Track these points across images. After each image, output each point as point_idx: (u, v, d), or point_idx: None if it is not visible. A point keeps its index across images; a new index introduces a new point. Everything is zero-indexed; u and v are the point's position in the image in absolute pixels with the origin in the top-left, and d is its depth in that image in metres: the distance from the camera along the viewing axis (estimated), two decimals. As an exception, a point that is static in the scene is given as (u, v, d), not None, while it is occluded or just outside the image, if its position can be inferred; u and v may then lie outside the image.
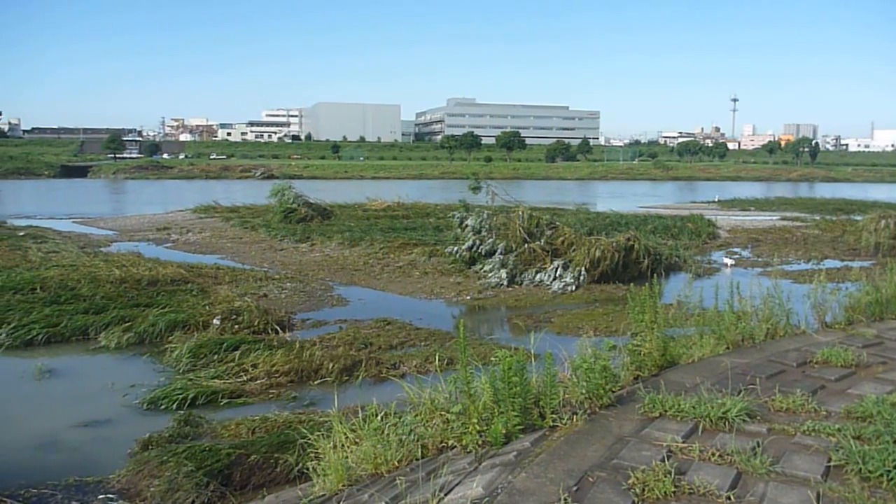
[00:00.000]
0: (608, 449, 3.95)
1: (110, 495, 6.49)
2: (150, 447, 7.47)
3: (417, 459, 4.55)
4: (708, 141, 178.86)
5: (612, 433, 4.21)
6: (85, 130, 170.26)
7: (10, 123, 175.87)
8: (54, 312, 12.60)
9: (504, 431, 4.16)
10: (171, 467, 6.66)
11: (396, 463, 4.54)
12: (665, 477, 3.51)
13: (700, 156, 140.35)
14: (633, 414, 4.55)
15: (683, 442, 4.02)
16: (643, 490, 3.45)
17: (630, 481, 3.52)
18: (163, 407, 8.84)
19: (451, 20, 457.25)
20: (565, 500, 3.28)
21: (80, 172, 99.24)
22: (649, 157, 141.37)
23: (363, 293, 16.42)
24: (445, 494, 3.37)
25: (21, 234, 25.35)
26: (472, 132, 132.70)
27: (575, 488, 3.43)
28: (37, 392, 9.71)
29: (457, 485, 3.52)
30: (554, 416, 4.38)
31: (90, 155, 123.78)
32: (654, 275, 15.70)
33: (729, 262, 20.24)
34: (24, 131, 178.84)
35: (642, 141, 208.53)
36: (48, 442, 7.95)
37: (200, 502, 6.30)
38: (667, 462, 3.69)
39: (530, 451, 3.90)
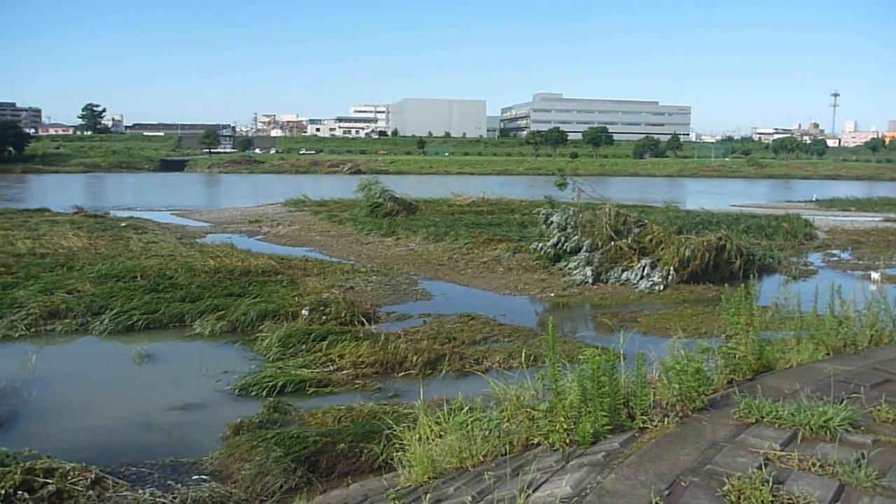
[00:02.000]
0: (701, 453, 3.83)
1: (203, 476, 6.71)
2: (241, 432, 7.70)
3: (503, 455, 4.52)
4: (806, 138, 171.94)
5: (706, 437, 4.08)
6: (182, 126, 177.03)
7: (113, 119, 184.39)
8: (153, 300, 13.14)
9: (592, 431, 4.09)
10: (260, 452, 6.85)
11: (481, 458, 4.53)
12: (762, 486, 3.38)
13: (797, 153, 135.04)
14: (728, 419, 4.40)
15: (782, 450, 3.86)
16: (738, 498, 3.32)
17: (725, 488, 3.39)
18: (253, 393, 9.10)
19: (539, 16, 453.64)
20: (657, 503, 3.20)
21: (178, 166, 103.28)
22: (742, 154, 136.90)
23: (447, 288, 16.48)
24: (533, 491, 3.34)
25: (123, 224, 26.56)
26: (558, 128, 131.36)
27: (667, 492, 3.34)
28: (136, 375, 10.15)
29: (544, 482, 3.48)
30: (644, 417, 4.28)
31: (187, 150, 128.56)
32: (747, 276, 15.22)
33: (876, 275, 17.30)
34: (127, 127, 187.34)
35: (735, 137, 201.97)
36: (146, 423, 8.30)
37: (288, 487, 6.45)
38: (764, 470, 3.55)
39: (619, 452, 3.82)
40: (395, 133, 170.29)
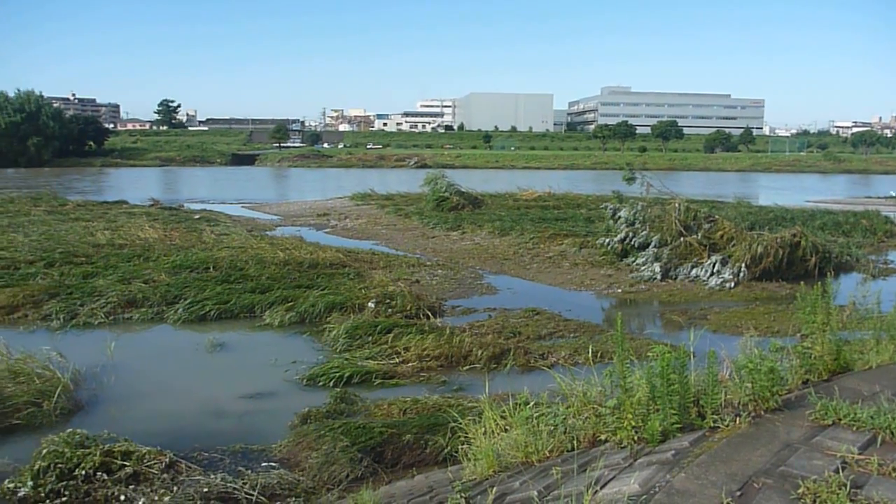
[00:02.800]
0: (775, 455, 3.73)
1: (272, 463, 6.86)
2: (308, 421, 7.84)
3: (568, 451, 4.50)
4: (887, 131, 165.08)
5: (779, 439, 3.97)
6: (253, 121, 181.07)
7: (187, 115, 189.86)
8: (225, 290, 13.48)
9: (661, 429, 4.03)
10: (328, 441, 6.96)
11: (547, 453, 4.51)
12: (839, 490, 3.27)
13: (877, 147, 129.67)
14: (803, 420, 4.27)
15: (860, 454, 3.72)
16: (814, 501, 3.22)
17: (799, 491, 3.30)
18: (320, 384, 9.25)
19: (609, 9, 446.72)
20: (727, 504, 3.13)
21: (249, 160, 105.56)
22: (819, 149, 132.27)
23: (512, 282, 16.44)
24: (601, 488, 3.31)
25: (196, 217, 27.32)
26: (627, 121, 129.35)
27: (738, 493, 3.27)
28: (208, 363, 10.44)
29: (611, 479, 3.44)
30: (715, 416, 4.19)
31: (257, 144, 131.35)
32: (823, 274, 14.73)
33: None
34: (200, 122, 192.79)
35: (811, 131, 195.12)
36: (218, 410, 8.52)
37: (354, 476, 6.54)
38: (841, 474, 3.43)
39: (689, 451, 3.75)
40: (461, 127, 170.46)
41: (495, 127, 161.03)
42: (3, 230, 21.73)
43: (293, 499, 6.15)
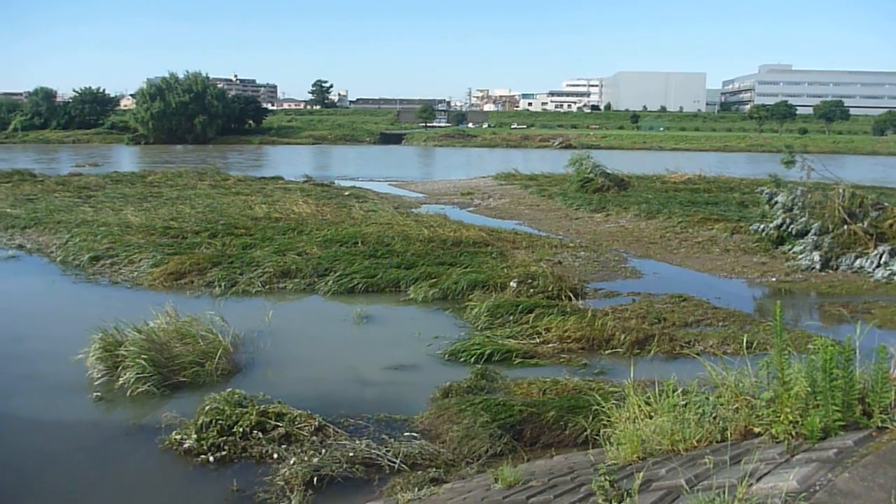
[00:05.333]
0: (952, 461, 3.42)
1: (414, 434, 7.05)
2: (449, 395, 7.99)
3: (717, 441, 4.34)
4: None
5: (958, 444, 3.64)
6: (401, 101, 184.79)
7: (339, 95, 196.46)
8: (372, 265, 13.93)
9: (821, 426, 3.80)
10: (468, 416, 7.08)
11: (695, 442, 4.36)
12: None
13: None
14: None
15: None
16: None
17: (981, 502, 3.02)
18: (462, 359, 9.40)
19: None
20: (897, 509, 2.91)
21: (396, 139, 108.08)
22: None
23: (658, 267, 15.98)
24: (756, 481, 3.17)
25: (346, 193, 28.32)
26: (786, 101, 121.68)
27: (909, 499, 3.03)
28: (355, 334, 10.84)
29: (766, 474, 3.28)
30: (884, 416, 3.89)
31: (405, 124, 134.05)
32: None
33: None
34: (351, 102, 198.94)
35: None
36: (363, 379, 8.85)
37: (493, 452, 6.61)
38: None
39: (853, 450, 3.51)
40: (607, 107, 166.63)
41: (644, 107, 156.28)
42: (173, 202, 23.47)
43: (433, 469, 6.30)
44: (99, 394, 8.22)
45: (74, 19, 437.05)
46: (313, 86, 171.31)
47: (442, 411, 7.46)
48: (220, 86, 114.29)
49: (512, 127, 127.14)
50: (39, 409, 7.89)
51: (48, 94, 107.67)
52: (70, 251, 15.84)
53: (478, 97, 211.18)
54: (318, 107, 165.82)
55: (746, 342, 9.14)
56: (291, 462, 6.34)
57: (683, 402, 4.78)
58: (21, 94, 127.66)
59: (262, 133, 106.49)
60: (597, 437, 6.02)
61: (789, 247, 16.59)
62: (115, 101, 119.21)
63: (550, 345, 9.97)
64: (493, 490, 4.73)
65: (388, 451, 6.54)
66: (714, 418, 4.54)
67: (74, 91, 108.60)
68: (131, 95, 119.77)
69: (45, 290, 13.48)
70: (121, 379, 8.29)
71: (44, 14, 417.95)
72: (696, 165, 37.74)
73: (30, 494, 6.20)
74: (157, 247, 15.50)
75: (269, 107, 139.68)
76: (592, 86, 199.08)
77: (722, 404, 4.63)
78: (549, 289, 12.52)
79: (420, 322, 11.35)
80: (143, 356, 8.35)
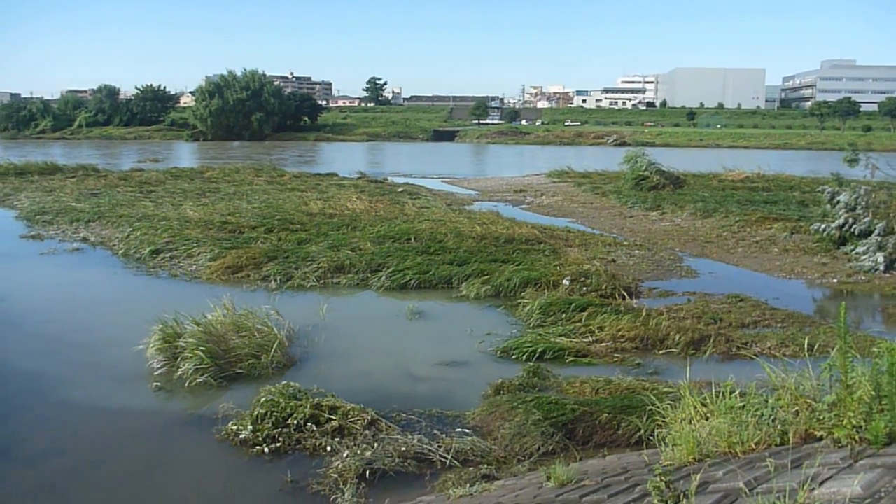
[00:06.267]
0: None
1: (466, 430, 7.07)
2: (501, 392, 7.99)
3: (776, 445, 4.24)
4: None
5: None
6: (454, 98, 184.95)
7: (393, 92, 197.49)
8: (424, 261, 13.99)
9: (886, 431, 3.69)
10: (520, 413, 7.06)
11: (753, 445, 4.27)
12: None
13: None
14: None
15: None
16: None
17: None
18: (513, 357, 9.38)
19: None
20: (967, 520, 2.81)
21: (449, 136, 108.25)
22: None
23: (714, 266, 15.70)
24: (818, 485, 3.10)
25: (399, 190, 28.47)
26: (850, 98, 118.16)
27: (981, 509, 2.92)
28: (407, 330, 10.91)
29: (828, 479, 3.20)
30: (952, 422, 3.77)
31: (457, 121, 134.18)
32: None
33: None
34: (405, 99, 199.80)
35: None
36: (415, 374, 8.90)
37: (545, 450, 6.59)
38: None
39: (920, 457, 3.40)
40: (663, 104, 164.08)
41: (700, 104, 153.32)
42: (230, 198, 23.93)
43: (485, 466, 6.31)
44: (158, 384, 8.44)
45: (136, 20, 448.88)
46: (368, 83, 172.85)
47: (494, 408, 7.46)
48: (276, 83, 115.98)
49: (565, 124, 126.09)
50: (102, 397, 8.14)
51: (112, 92, 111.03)
52: (131, 244, 16.31)
53: (531, 94, 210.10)
54: (372, 104, 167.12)
55: (805, 345, 8.91)
56: (344, 455, 6.41)
57: (741, 404, 4.69)
58: (86, 92, 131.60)
59: (317, 130, 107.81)
60: (650, 438, 5.96)
61: (851, 247, 16.11)
62: (176, 98, 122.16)
63: (603, 344, 9.88)
64: (545, 488, 4.71)
65: (439, 447, 6.57)
66: (773, 421, 4.44)
67: (136, 88, 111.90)
68: (191, 93, 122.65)
69: (108, 282, 13.91)
70: (179, 369, 8.51)
71: (109, 12, 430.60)
72: (755, 163, 36.91)
73: (92, 478, 6.40)
74: (214, 241, 15.83)
75: (324, 104, 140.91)
76: (648, 82, 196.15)
77: (781, 407, 4.53)
78: (603, 287, 12.41)
79: (472, 319, 11.35)
80: (201, 348, 8.55)
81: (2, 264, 15.40)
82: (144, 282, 13.81)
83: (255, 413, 7.11)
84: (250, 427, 6.96)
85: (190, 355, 8.52)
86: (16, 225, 20.46)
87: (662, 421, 5.33)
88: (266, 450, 6.68)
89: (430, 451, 6.52)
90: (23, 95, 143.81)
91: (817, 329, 10.42)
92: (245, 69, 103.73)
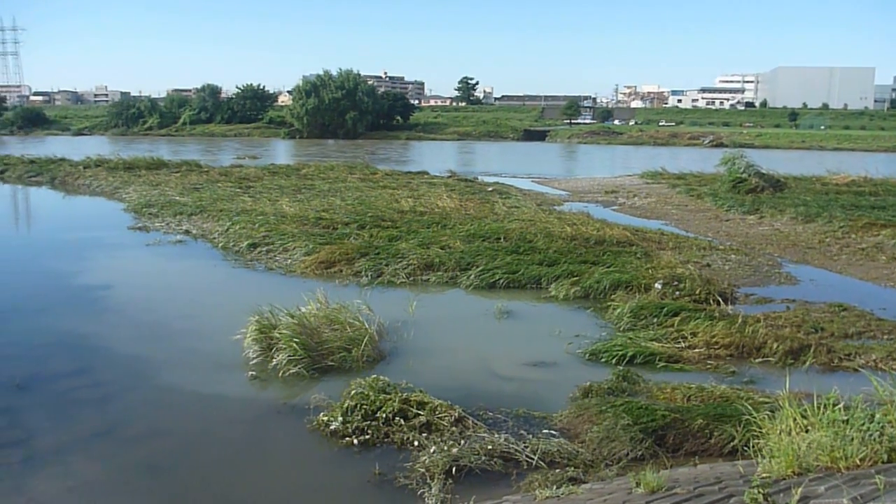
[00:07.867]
0: None
1: (553, 432, 7.02)
2: (589, 395, 7.89)
3: (883, 462, 4.05)
4: None
5: None
6: (546, 97, 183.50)
7: (484, 92, 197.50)
8: (514, 261, 13.95)
9: None
10: (609, 417, 6.96)
11: (858, 461, 4.10)
12: None
13: None
14: None
15: None
16: None
17: None
18: (602, 360, 9.25)
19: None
20: None
21: (539, 136, 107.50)
22: None
23: (815, 273, 15.05)
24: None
25: (489, 189, 28.48)
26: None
27: None
28: (495, 329, 10.91)
29: (941, 500, 3.04)
30: None
31: (549, 120, 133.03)
32: None
33: None
34: (496, 99, 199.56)
35: None
36: (502, 374, 8.89)
37: (634, 456, 6.47)
38: None
39: None
40: (763, 104, 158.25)
41: (803, 104, 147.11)
42: (325, 194, 24.50)
43: (572, 468, 6.25)
44: (254, 373, 8.73)
45: (233, 15, 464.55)
46: (459, 83, 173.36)
47: (581, 411, 7.38)
48: (370, 83, 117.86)
49: (660, 124, 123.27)
50: (201, 383, 8.49)
51: (214, 91, 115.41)
52: (230, 238, 16.93)
53: (624, 93, 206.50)
54: (463, 103, 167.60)
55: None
56: (431, 450, 6.47)
57: (844, 418, 4.51)
58: (190, 91, 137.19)
59: (409, 129, 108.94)
60: (745, 449, 5.78)
61: (969, 257, 15.18)
62: (274, 97, 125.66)
63: (696, 350, 9.63)
64: (634, 494, 4.64)
65: (526, 447, 6.55)
66: (880, 436, 4.24)
67: (237, 87, 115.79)
68: (288, 92, 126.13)
69: (208, 273, 14.50)
70: (274, 360, 8.78)
71: (215, 10, 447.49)
72: (862, 166, 35.19)
73: (188, 461, 6.69)
74: (309, 236, 16.24)
75: (417, 103, 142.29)
76: (747, 82, 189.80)
77: (889, 422, 4.32)
78: (697, 292, 12.09)
79: (560, 320, 11.26)
80: (294, 340, 8.79)
81: (110, 254, 16.27)
82: (242, 274, 14.31)
83: (346, 405, 7.27)
84: (340, 419, 7.11)
85: (284, 346, 8.78)
86: (124, 217, 21.59)
87: (759, 431, 5.18)
88: (355, 441, 6.82)
89: (516, 450, 6.51)
90: (132, 94, 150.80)
91: (928, 343, 9.86)
92: (340, 69, 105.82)
